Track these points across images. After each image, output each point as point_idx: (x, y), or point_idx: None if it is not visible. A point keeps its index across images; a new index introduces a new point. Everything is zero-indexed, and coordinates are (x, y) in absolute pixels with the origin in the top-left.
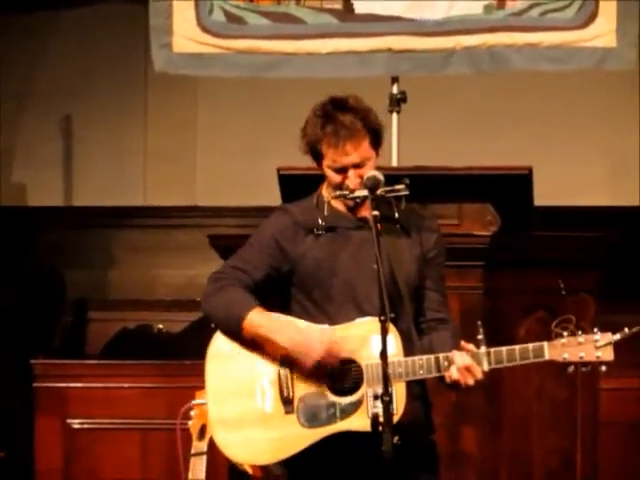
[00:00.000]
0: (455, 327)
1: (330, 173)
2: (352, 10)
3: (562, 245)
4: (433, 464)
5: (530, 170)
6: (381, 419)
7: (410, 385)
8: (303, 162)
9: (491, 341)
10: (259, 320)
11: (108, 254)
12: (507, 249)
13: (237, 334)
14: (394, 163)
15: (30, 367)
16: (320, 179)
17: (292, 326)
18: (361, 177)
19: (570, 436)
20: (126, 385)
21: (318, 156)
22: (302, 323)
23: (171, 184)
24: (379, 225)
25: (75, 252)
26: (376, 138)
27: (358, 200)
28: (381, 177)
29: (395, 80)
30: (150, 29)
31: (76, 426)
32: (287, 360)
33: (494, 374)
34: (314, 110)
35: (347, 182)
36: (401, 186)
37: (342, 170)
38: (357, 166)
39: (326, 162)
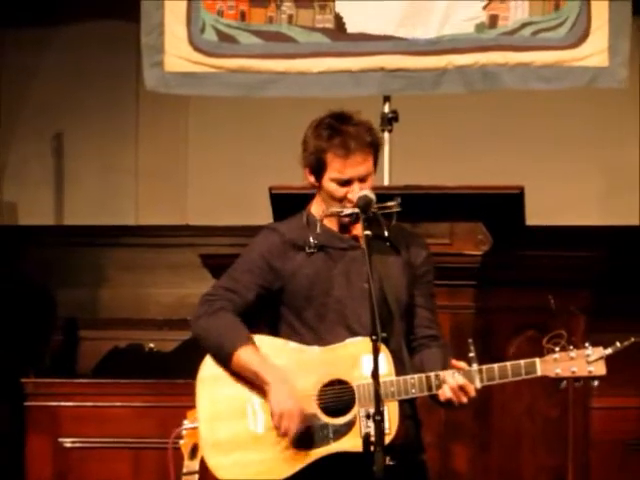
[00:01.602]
0: (446, 344)
1: (332, 187)
2: (344, 29)
3: (554, 265)
4: None
5: (522, 189)
6: (373, 438)
7: (401, 404)
8: (295, 181)
9: (482, 360)
10: (248, 359)
11: (99, 273)
12: (499, 268)
13: (225, 365)
14: (386, 182)
15: (21, 386)
16: (312, 198)
17: (279, 376)
18: None
19: (561, 454)
20: (118, 404)
21: (321, 168)
22: (291, 345)
23: (162, 202)
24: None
25: (66, 271)
26: (377, 153)
27: (352, 218)
28: (372, 196)
29: (387, 99)
30: (141, 47)
31: (68, 445)
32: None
33: (484, 392)
34: (316, 124)
35: (350, 196)
36: (393, 202)
37: (346, 183)
38: (362, 179)
39: (330, 174)
